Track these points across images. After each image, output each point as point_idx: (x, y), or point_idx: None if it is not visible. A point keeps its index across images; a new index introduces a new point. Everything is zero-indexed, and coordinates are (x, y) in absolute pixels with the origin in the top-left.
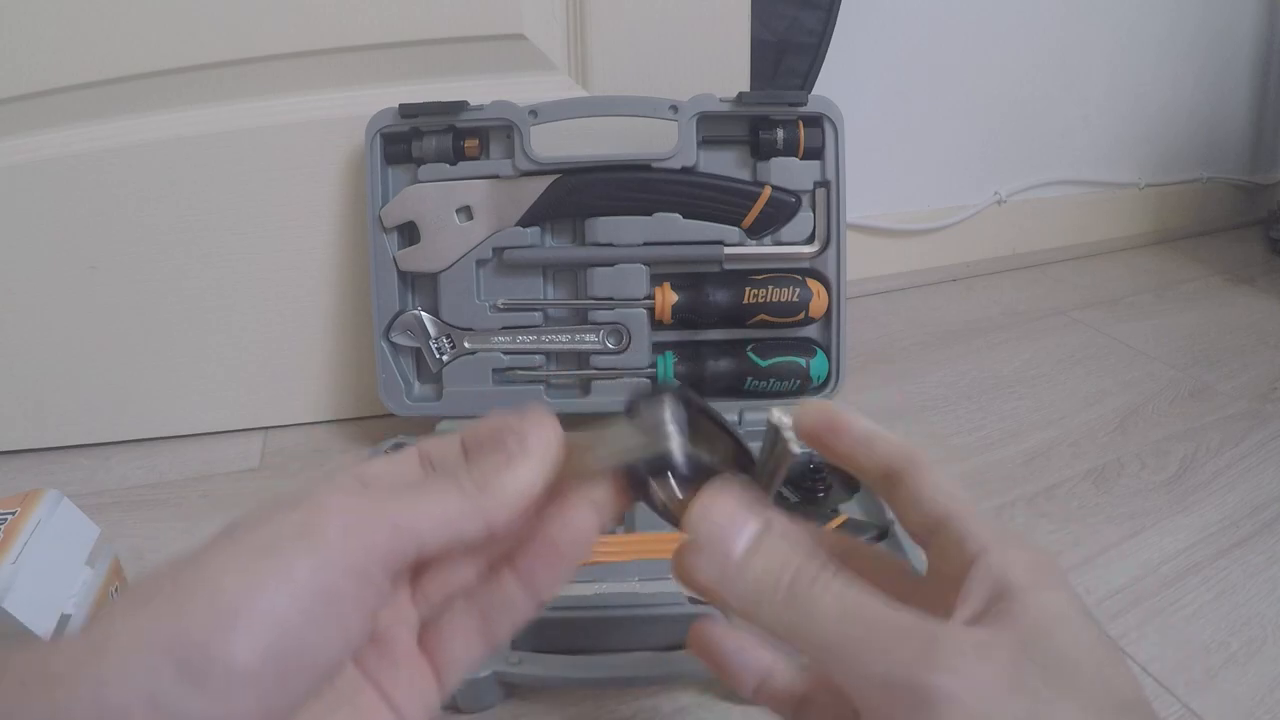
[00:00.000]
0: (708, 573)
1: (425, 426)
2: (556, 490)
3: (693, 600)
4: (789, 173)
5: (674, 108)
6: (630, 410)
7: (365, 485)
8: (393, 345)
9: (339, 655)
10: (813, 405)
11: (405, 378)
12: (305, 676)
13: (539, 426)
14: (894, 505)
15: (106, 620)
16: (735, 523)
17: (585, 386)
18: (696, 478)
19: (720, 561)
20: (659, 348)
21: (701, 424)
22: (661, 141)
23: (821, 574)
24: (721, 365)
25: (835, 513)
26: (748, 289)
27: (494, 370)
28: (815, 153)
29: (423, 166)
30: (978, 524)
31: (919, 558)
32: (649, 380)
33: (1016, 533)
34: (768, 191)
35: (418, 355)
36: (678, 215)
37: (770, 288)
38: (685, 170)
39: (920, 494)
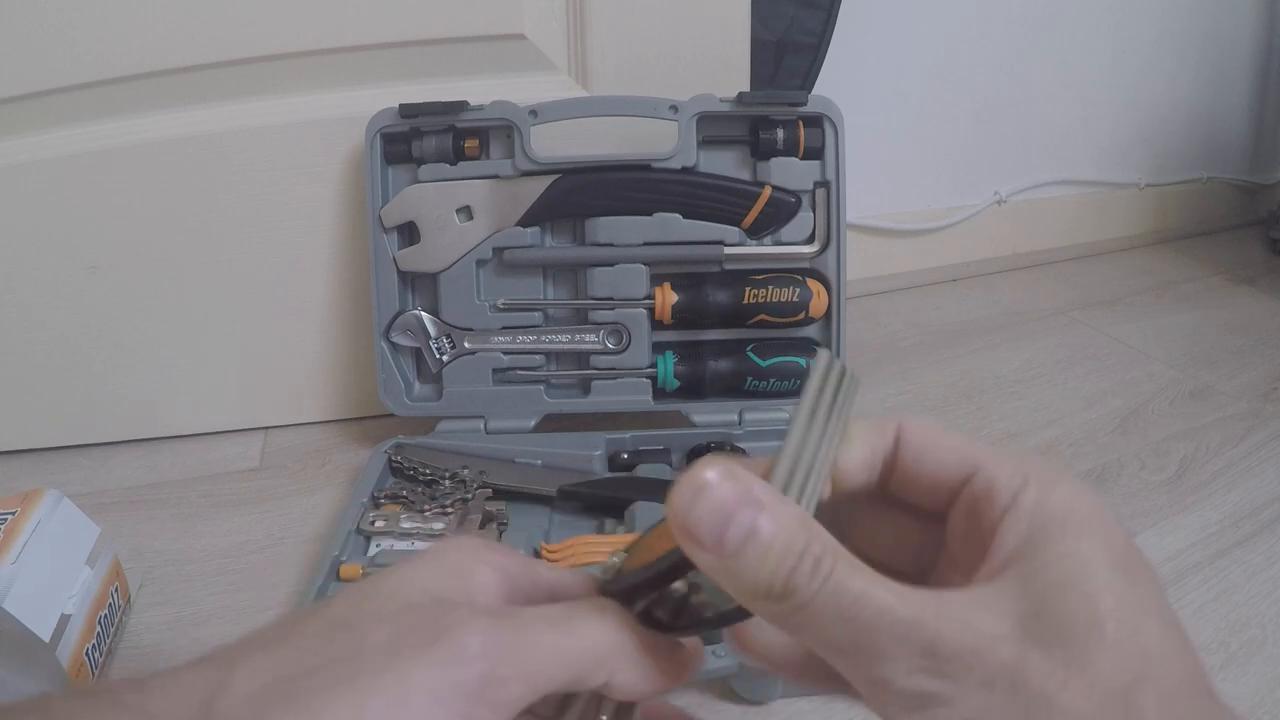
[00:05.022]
0: (703, 563)
1: (425, 426)
2: None
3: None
4: (789, 173)
5: (674, 108)
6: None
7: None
8: (393, 345)
9: None
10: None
11: (405, 378)
12: None
13: None
14: (891, 483)
15: None
16: (723, 511)
17: (585, 386)
18: None
19: (711, 556)
20: (659, 348)
21: None
22: (661, 141)
23: (819, 566)
24: (721, 365)
25: None
26: (748, 289)
27: (494, 370)
28: (815, 153)
29: (423, 166)
30: (1007, 466)
31: None
32: None
33: (1054, 468)
34: (768, 191)
35: (418, 355)
36: (678, 215)
37: (770, 288)
38: (685, 170)
39: (923, 456)
